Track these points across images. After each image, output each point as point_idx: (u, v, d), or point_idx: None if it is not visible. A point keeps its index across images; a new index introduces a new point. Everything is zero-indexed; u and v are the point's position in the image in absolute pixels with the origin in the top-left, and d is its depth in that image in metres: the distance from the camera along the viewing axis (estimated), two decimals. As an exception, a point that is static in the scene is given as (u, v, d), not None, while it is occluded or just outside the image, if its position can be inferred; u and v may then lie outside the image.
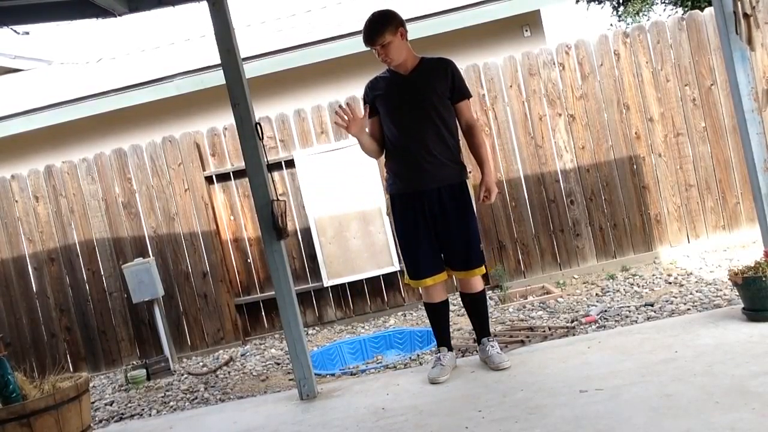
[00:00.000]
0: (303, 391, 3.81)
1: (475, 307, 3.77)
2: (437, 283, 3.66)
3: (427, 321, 5.57)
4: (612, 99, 6.00)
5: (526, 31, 7.42)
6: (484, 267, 3.69)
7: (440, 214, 3.56)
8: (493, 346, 3.69)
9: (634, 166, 6.02)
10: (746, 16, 3.49)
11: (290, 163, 6.16)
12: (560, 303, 5.28)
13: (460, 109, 3.63)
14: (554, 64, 6.04)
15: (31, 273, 6.24)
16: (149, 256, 6.07)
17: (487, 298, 4.02)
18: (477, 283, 3.69)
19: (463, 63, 6.17)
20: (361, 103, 6.04)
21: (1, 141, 7.32)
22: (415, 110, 3.53)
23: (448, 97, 3.57)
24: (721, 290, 4.68)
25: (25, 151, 7.39)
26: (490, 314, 5.28)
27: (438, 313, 3.77)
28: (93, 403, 5.02)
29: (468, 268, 3.63)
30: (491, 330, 3.97)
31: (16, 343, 6.19)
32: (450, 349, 3.79)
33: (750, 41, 3.55)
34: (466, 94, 3.64)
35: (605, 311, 4.77)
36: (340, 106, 3.61)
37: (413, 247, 3.63)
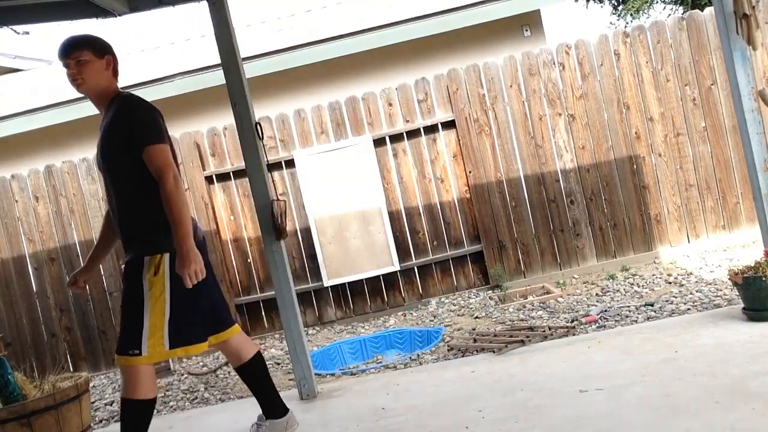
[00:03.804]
0: (303, 391, 3.81)
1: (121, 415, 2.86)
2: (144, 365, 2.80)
3: (428, 321, 5.63)
4: (612, 99, 6.00)
5: (526, 30, 7.43)
6: (123, 359, 2.77)
7: None
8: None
9: (634, 166, 6.03)
10: (746, 16, 3.49)
11: (290, 163, 6.17)
12: (560, 303, 5.28)
13: (146, 159, 2.81)
14: (554, 63, 6.04)
15: (31, 273, 6.25)
16: (149, 256, 6.06)
17: (129, 415, 2.84)
18: (126, 382, 2.79)
19: (463, 63, 6.21)
20: (361, 103, 6.12)
21: (1, 141, 7.32)
22: (102, 171, 2.99)
23: (129, 150, 2.85)
24: (721, 290, 4.68)
25: (25, 151, 7.40)
26: (489, 314, 5.32)
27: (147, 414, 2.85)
28: (93, 403, 5.02)
29: (117, 351, 2.84)
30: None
31: (16, 343, 6.20)
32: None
33: (750, 41, 3.55)
34: (147, 140, 2.82)
35: (605, 311, 4.77)
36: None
37: None
